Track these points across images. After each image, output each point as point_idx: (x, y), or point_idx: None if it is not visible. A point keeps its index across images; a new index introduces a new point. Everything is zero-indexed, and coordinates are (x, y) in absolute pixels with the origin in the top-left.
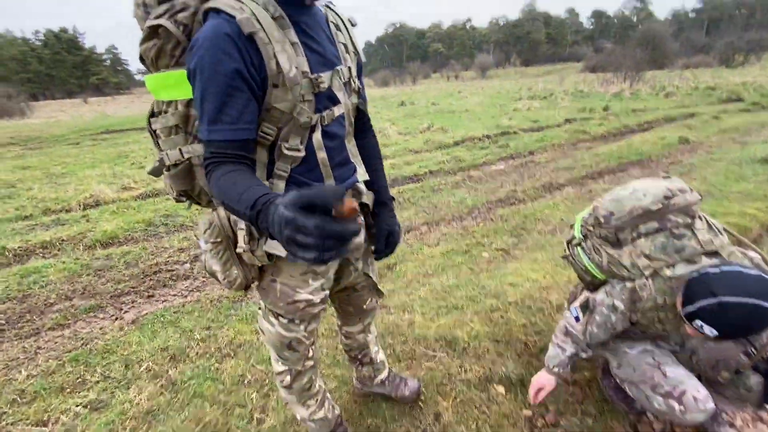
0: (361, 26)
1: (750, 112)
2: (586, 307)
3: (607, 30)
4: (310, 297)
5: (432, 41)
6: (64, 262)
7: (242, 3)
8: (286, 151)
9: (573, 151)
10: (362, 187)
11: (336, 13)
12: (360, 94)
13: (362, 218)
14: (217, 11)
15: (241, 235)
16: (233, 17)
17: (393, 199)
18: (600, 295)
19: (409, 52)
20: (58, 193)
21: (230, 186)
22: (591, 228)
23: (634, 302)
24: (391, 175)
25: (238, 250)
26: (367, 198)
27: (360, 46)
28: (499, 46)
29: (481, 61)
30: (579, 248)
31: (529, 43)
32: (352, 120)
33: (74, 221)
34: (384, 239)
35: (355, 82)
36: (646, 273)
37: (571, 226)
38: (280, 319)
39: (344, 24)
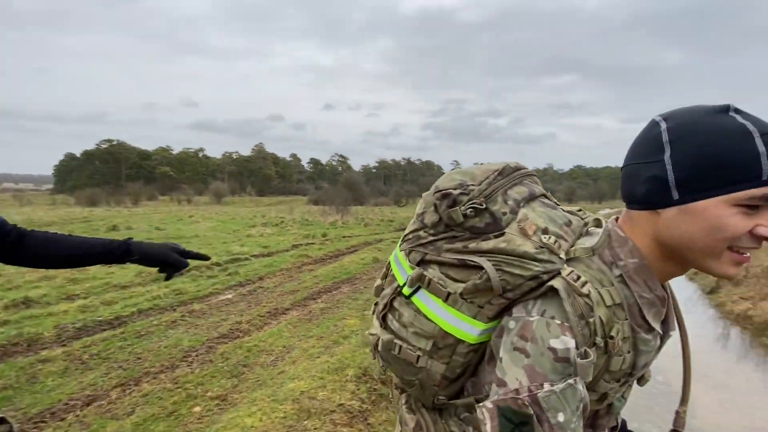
0: (63, 141)
1: None
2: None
3: (323, 174)
4: None
5: (159, 164)
6: None
7: None
8: None
9: (298, 274)
10: None
11: None
12: None
13: None
14: None
15: None
16: None
17: None
18: (502, 373)
19: (129, 171)
20: None
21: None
22: (432, 233)
23: (583, 321)
24: (78, 322)
25: None
26: None
27: None
28: (233, 177)
29: (216, 188)
30: (417, 295)
31: (261, 176)
32: None
33: None
34: None
35: None
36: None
37: (384, 277)
38: None
39: None
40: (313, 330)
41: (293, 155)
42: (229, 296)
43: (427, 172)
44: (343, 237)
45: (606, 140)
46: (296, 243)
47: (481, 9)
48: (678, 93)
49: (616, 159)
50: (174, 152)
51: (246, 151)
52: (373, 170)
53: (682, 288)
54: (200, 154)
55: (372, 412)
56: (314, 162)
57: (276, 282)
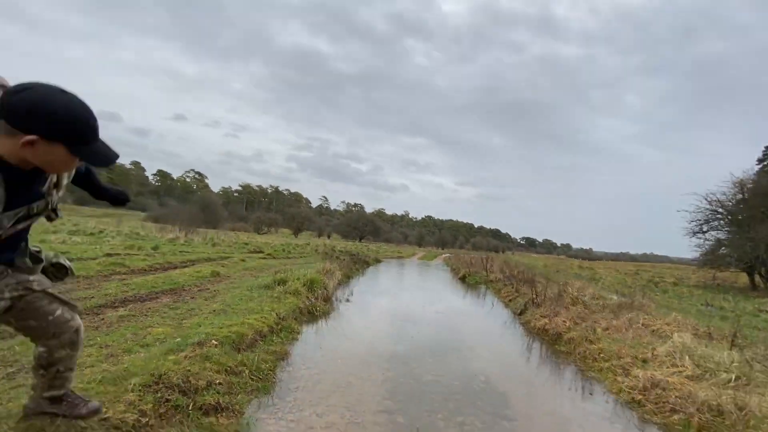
0: None
1: (266, 259)
2: None
3: (172, 190)
4: None
5: None
6: None
7: None
8: None
9: (102, 282)
10: None
11: None
12: None
13: None
14: None
15: None
16: None
17: None
18: None
19: None
20: None
21: None
22: None
23: None
24: None
25: None
26: None
27: None
28: None
29: None
30: None
31: None
32: None
33: None
34: None
35: None
36: None
37: None
38: None
39: None
40: (97, 339)
41: (135, 163)
42: None
43: (295, 203)
44: (180, 252)
45: (445, 197)
46: (112, 252)
47: (353, 63)
48: (497, 168)
49: (454, 213)
50: None
51: None
52: (235, 194)
53: (501, 313)
54: None
55: (155, 428)
56: (162, 175)
57: (62, 290)
